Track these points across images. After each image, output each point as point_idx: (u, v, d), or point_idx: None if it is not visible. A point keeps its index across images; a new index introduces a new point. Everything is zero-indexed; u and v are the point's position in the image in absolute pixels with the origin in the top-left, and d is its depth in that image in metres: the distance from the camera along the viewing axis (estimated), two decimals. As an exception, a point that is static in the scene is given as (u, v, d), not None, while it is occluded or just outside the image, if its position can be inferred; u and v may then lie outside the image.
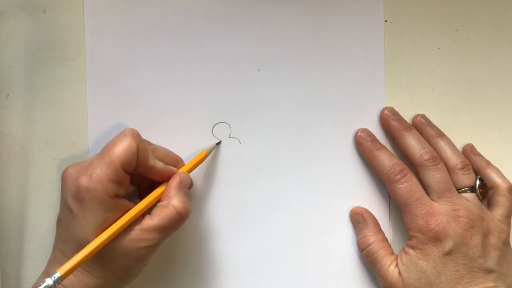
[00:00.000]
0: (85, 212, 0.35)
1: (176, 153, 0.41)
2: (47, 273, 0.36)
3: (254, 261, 0.43)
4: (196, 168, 0.41)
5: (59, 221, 0.37)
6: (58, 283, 0.32)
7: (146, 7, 0.42)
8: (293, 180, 0.44)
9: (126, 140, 0.36)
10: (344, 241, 0.44)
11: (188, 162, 0.40)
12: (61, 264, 0.35)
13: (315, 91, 0.44)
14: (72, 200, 0.35)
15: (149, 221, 0.36)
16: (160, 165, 0.38)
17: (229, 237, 0.43)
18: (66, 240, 0.36)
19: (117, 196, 0.36)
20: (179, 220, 0.36)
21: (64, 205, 0.36)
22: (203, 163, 0.41)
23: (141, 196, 0.39)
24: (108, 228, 0.35)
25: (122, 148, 0.36)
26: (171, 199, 0.37)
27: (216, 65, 0.43)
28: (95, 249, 0.34)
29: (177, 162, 0.40)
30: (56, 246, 0.37)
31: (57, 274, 0.32)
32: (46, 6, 0.41)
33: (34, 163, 0.41)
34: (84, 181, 0.35)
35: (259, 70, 0.43)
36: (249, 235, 0.43)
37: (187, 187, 0.38)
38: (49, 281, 0.32)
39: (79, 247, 0.34)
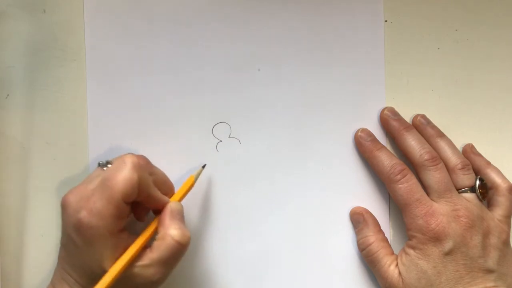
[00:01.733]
0: (88, 247, 0.34)
1: (176, 154, 0.41)
2: (53, 285, 0.36)
3: (254, 261, 0.43)
4: (195, 169, 0.41)
5: (64, 246, 0.36)
6: None
7: (146, 7, 0.42)
8: (293, 180, 0.44)
9: (127, 172, 0.34)
10: (344, 241, 0.44)
11: (177, 189, 0.40)
12: (67, 282, 0.35)
13: (315, 91, 0.44)
14: (74, 233, 0.34)
15: (150, 256, 0.35)
16: (158, 195, 0.37)
17: (228, 237, 0.43)
18: (73, 264, 0.35)
19: (118, 231, 0.35)
20: (180, 249, 0.35)
21: (67, 235, 0.35)
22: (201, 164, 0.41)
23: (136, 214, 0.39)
24: (109, 273, 0.34)
25: (123, 180, 0.34)
26: (167, 229, 0.36)
27: (216, 65, 0.43)
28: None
29: (170, 190, 0.39)
30: (62, 266, 0.36)
31: None
32: (46, 6, 0.41)
33: (34, 163, 0.41)
34: (85, 216, 0.33)
35: (259, 70, 0.43)
36: (249, 235, 0.43)
37: (181, 215, 0.37)
38: None
39: (87, 274, 0.34)
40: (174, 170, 0.42)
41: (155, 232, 0.37)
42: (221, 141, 0.43)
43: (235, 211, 0.43)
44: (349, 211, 0.44)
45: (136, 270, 0.35)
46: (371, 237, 0.43)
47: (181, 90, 0.43)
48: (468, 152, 0.45)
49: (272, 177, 0.44)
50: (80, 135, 0.42)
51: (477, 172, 0.44)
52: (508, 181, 0.44)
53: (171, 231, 0.35)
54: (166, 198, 0.38)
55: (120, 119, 0.42)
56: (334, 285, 0.44)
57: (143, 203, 0.37)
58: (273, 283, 0.43)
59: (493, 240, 0.41)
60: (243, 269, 0.43)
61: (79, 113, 0.42)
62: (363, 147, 0.44)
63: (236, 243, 0.43)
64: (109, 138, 0.41)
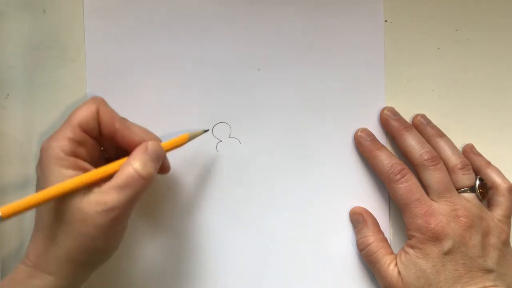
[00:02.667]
0: (43, 171, 0.34)
1: (176, 153, 0.41)
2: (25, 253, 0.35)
3: (253, 261, 0.43)
4: (196, 168, 0.41)
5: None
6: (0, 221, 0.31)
7: (146, 7, 0.42)
8: (293, 180, 0.44)
9: (86, 104, 0.36)
10: (344, 241, 0.44)
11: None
12: (31, 239, 0.35)
13: (315, 91, 0.44)
14: (37, 167, 0.35)
15: (108, 183, 0.34)
16: (127, 132, 0.37)
17: (228, 237, 0.43)
18: (38, 210, 0.36)
19: (75, 156, 0.35)
20: (138, 179, 0.34)
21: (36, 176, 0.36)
22: (201, 164, 0.41)
23: None
24: (61, 183, 0.33)
25: (81, 109, 0.36)
26: (131, 160, 0.35)
27: (216, 65, 0.43)
28: (43, 197, 0.32)
29: (151, 138, 0.38)
30: (34, 228, 0.36)
31: None
32: (46, 6, 0.41)
33: (34, 163, 0.41)
34: (44, 143, 0.35)
35: (259, 70, 0.43)
36: (248, 235, 0.43)
37: (156, 156, 0.36)
38: None
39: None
40: (174, 170, 0.42)
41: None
42: (221, 141, 0.43)
43: (234, 211, 0.43)
44: (349, 211, 0.45)
45: (92, 195, 0.34)
46: (371, 237, 0.43)
47: (181, 90, 0.42)
48: (468, 152, 0.45)
49: (272, 177, 0.44)
50: (80, 135, 0.42)
51: (477, 172, 0.44)
52: (508, 181, 0.44)
53: (134, 161, 0.35)
54: (144, 137, 0.37)
55: (120, 119, 0.42)
56: (334, 285, 0.44)
57: (113, 140, 0.37)
58: (273, 283, 0.43)
59: (493, 240, 0.41)
60: (242, 269, 0.43)
61: (79, 113, 0.42)
62: (363, 147, 0.44)
63: (236, 243, 0.43)
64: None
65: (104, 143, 0.38)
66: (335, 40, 0.44)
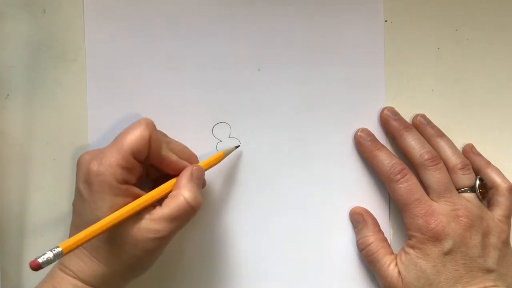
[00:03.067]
0: (94, 196, 0.35)
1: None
2: (60, 261, 0.36)
3: (253, 261, 0.43)
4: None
5: (73, 207, 0.38)
6: (58, 258, 0.32)
7: (146, 7, 0.42)
8: (293, 180, 0.44)
9: (139, 129, 0.36)
10: (344, 241, 0.44)
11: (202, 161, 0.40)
12: (76, 254, 0.35)
13: (315, 91, 0.44)
14: (83, 184, 0.35)
15: (159, 211, 0.35)
16: (173, 157, 0.38)
17: (228, 237, 0.43)
18: (78, 225, 0.36)
19: (126, 182, 0.36)
20: (188, 210, 0.36)
21: (77, 190, 0.36)
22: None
23: (150, 187, 0.39)
24: (116, 211, 0.35)
25: (134, 135, 0.36)
26: (181, 189, 0.36)
27: (216, 65, 0.43)
28: (99, 229, 0.33)
29: (190, 158, 0.40)
30: (70, 232, 0.37)
31: (59, 249, 0.32)
32: (46, 6, 0.41)
33: (34, 163, 0.41)
34: (94, 165, 0.35)
35: (259, 70, 0.43)
36: (248, 235, 0.43)
37: (200, 181, 0.38)
38: (49, 254, 0.32)
39: None
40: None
41: (169, 191, 0.37)
42: (221, 141, 0.43)
43: (234, 211, 0.43)
44: (349, 211, 0.44)
45: (143, 222, 0.35)
46: (371, 237, 0.43)
47: (181, 90, 0.42)
48: (468, 152, 0.45)
49: (272, 177, 0.44)
50: (80, 135, 0.42)
51: (477, 172, 0.44)
52: (508, 181, 0.44)
53: (184, 191, 0.36)
54: (185, 162, 0.38)
55: (120, 119, 0.42)
56: (334, 285, 0.44)
57: (158, 166, 0.38)
58: (273, 283, 0.43)
59: (493, 240, 0.41)
60: (242, 268, 0.43)
61: (79, 113, 0.42)
62: (363, 147, 0.44)
63: (236, 242, 0.43)
64: (109, 138, 0.41)
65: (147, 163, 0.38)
66: (335, 40, 0.44)
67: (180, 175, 0.38)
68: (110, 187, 0.35)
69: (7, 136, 0.41)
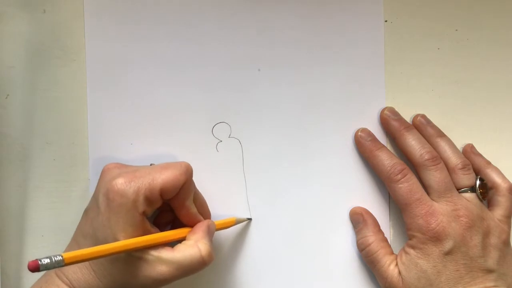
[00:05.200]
0: (111, 214, 0.34)
1: (176, 153, 0.41)
2: (61, 270, 0.36)
3: (253, 261, 0.43)
4: (196, 167, 0.41)
5: (85, 212, 0.37)
6: (58, 266, 0.31)
7: (146, 7, 0.42)
8: (293, 180, 0.44)
9: (178, 170, 0.36)
10: (344, 241, 0.44)
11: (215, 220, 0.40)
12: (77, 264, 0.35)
13: (315, 91, 0.44)
14: (103, 197, 0.35)
15: (171, 254, 0.35)
16: (194, 209, 0.38)
17: (227, 237, 0.43)
18: (85, 234, 0.36)
19: (144, 214, 0.35)
20: (200, 264, 0.35)
21: (95, 198, 0.36)
22: (201, 165, 0.41)
23: (156, 225, 0.39)
24: (131, 239, 0.34)
25: (171, 175, 0.35)
26: (198, 240, 0.36)
27: (216, 65, 0.43)
28: (108, 250, 0.33)
29: (207, 214, 0.40)
30: (75, 237, 0.37)
31: (60, 257, 0.31)
32: (46, 6, 0.41)
33: (34, 163, 0.41)
34: (122, 183, 0.34)
35: (259, 70, 0.43)
36: (248, 235, 0.43)
37: (212, 236, 0.38)
38: (50, 259, 0.31)
39: (95, 245, 0.34)
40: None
41: (179, 239, 0.37)
42: (221, 141, 0.43)
43: (234, 211, 0.43)
44: (349, 211, 0.44)
45: (151, 258, 0.35)
46: (371, 237, 0.43)
47: (181, 90, 0.42)
48: (468, 152, 0.45)
49: (272, 177, 0.44)
50: (80, 135, 0.41)
51: (477, 172, 0.44)
52: (508, 181, 0.44)
53: (201, 244, 0.36)
54: (201, 217, 0.38)
55: (120, 119, 0.42)
56: (334, 285, 0.44)
57: (176, 210, 0.38)
58: (273, 283, 0.43)
59: (493, 240, 0.41)
60: (242, 268, 0.43)
61: (79, 113, 0.41)
62: (363, 147, 0.44)
63: (235, 242, 0.43)
64: (109, 138, 0.41)
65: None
66: (335, 40, 0.44)
67: (197, 226, 0.37)
68: (128, 213, 0.34)
69: (7, 136, 0.41)
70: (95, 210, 0.35)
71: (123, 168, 0.37)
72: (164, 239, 0.36)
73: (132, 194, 0.34)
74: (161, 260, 0.35)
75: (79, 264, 0.35)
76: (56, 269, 0.36)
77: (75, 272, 0.35)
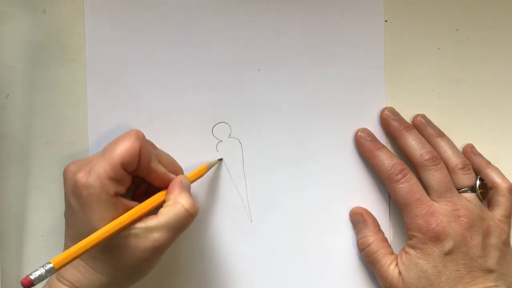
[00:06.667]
0: (85, 209, 0.34)
1: (176, 153, 0.41)
2: (59, 274, 0.36)
3: (253, 262, 0.43)
4: (196, 167, 0.41)
5: (65, 217, 0.37)
6: (51, 273, 0.31)
7: (146, 7, 0.42)
8: (293, 180, 0.44)
9: (129, 140, 0.36)
10: (344, 241, 0.44)
11: (187, 173, 0.40)
12: (72, 264, 0.35)
13: (315, 91, 0.44)
14: (72, 196, 0.35)
15: (156, 220, 0.35)
16: (161, 169, 0.38)
17: (227, 237, 0.43)
18: (72, 237, 0.36)
19: (116, 194, 0.35)
20: (187, 218, 0.36)
21: (67, 202, 0.36)
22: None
23: (135, 199, 0.39)
24: (108, 224, 0.34)
25: (124, 147, 0.35)
26: (177, 197, 0.36)
27: (216, 65, 0.43)
28: (91, 242, 0.33)
29: (177, 171, 0.40)
30: (65, 243, 0.37)
31: (50, 265, 0.32)
32: (46, 6, 0.41)
33: (34, 163, 0.41)
34: (82, 177, 0.34)
35: (259, 70, 0.43)
36: (248, 235, 0.43)
37: (189, 190, 0.38)
38: (41, 270, 0.31)
39: None
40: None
41: (161, 202, 0.37)
42: (221, 141, 0.43)
43: (234, 211, 0.43)
44: (349, 211, 0.44)
45: (139, 232, 0.35)
46: (371, 237, 0.43)
47: (181, 90, 0.42)
48: (468, 152, 0.45)
49: (272, 177, 0.44)
50: (80, 135, 0.42)
51: (477, 172, 0.44)
52: (508, 181, 0.44)
53: (181, 199, 0.36)
54: (172, 174, 0.38)
55: (120, 119, 0.42)
56: (334, 285, 0.44)
57: (145, 177, 0.37)
58: (272, 283, 0.43)
59: (493, 240, 0.41)
60: (241, 269, 0.43)
61: (79, 113, 0.42)
62: (363, 147, 0.44)
63: (235, 243, 0.43)
64: (109, 138, 0.41)
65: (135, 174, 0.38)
66: (335, 40, 0.44)
67: (171, 185, 0.37)
68: (100, 200, 0.34)
69: (7, 136, 0.41)
70: (71, 212, 0.36)
71: (79, 162, 0.36)
72: (144, 209, 0.36)
73: (95, 182, 0.34)
74: (149, 229, 0.35)
75: (75, 265, 0.35)
76: (56, 274, 0.36)
77: (73, 274, 0.35)
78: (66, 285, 0.35)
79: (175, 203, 0.36)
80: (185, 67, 0.43)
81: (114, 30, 0.42)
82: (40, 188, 0.41)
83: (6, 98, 0.41)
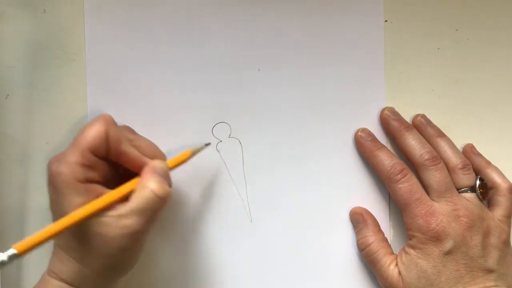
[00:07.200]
0: (58, 197, 0.34)
1: (176, 153, 0.41)
2: (48, 266, 0.36)
3: (253, 262, 0.43)
4: (196, 167, 0.41)
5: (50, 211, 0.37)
6: (14, 259, 0.31)
7: (146, 7, 0.42)
8: (293, 180, 0.44)
9: (96, 125, 0.36)
10: (344, 241, 0.44)
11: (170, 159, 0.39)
12: (56, 256, 0.35)
13: (315, 91, 0.44)
14: (49, 187, 0.35)
15: (126, 206, 0.35)
16: (133, 153, 0.37)
17: (227, 237, 0.43)
18: None
19: (88, 181, 0.35)
20: (157, 201, 0.35)
21: (48, 194, 0.36)
22: (201, 165, 0.41)
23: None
24: (76, 211, 0.34)
25: (90, 132, 0.35)
26: (146, 182, 0.36)
27: (216, 65, 0.43)
28: (56, 228, 0.33)
29: (157, 156, 0.39)
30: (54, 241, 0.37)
31: (12, 250, 0.31)
32: (46, 6, 0.41)
33: (34, 163, 0.41)
34: (54, 166, 0.34)
35: (259, 70, 0.43)
36: (248, 235, 0.43)
37: (164, 174, 0.37)
38: (3, 256, 0.31)
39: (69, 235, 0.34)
40: (174, 170, 0.42)
41: (133, 189, 0.36)
42: (221, 141, 0.43)
43: (234, 211, 0.43)
44: (349, 211, 0.44)
45: (110, 219, 0.34)
46: (371, 237, 0.43)
47: (181, 90, 0.43)
48: (468, 152, 0.45)
49: (272, 177, 0.44)
50: (80, 135, 0.41)
51: (477, 172, 0.44)
52: (508, 181, 0.44)
53: (149, 183, 0.35)
54: (147, 159, 0.37)
55: (120, 119, 0.42)
56: (334, 285, 0.44)
57: (119, 162, 0.37)
58: (273, 283, 0.43)
59: (493, 240, 0.41)
60: (241, 269, 0.43)
61: (79, 113, 0.42)
62: (363, 147, 0.44)
63: (235, 243, 0.43)
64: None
65: (111, 161, 0.38)
66: (335, 40, 0.44)
67: (143, 171, 0.37)
68: (70, 186, 0.34)
69: (7, 136, 0.41)
70: (51, 203, 0.36)
71: (57, 154, 0.36)
72: (116, 196, 0.35)
73: (65, 169, 0.34)
74: (120, 216, 0.34)
75: (58, 256, 0.35)
76: (48, 270, 0.36)
77: (58, 266, 0.35)
78: (52, 277, 0.35)
79: (144, 187, 0.35)
80: (185, 67, 0.43)
81: (114, 30, 0.42)
82: (40, 188, 0.41)
83: (6, 98, 0.41)
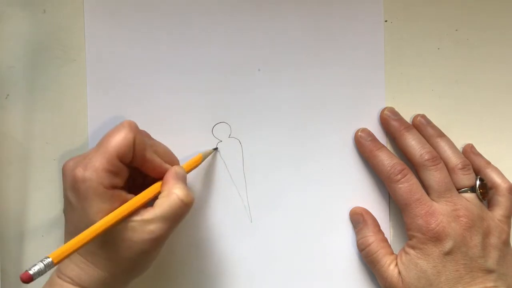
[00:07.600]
0: (82, 203, 0.34)
1: (176, 153, 0.41)
2: (58, 268, 0.36)
3: (253, 262, 0.43)
4: (196, 169, 0.41)
5: (64, 214, 0.37)
6: (50, 268, 0.31)
7: (146, 7, 0.42)
8: (293, 180, 0.44)
9: (123, 131, 0.36)
10: (344, 241, 0.44)
11: (183, 163, 0.40)
12: (71, 260, 0.35)
13: (315, 91, 0.44)
14: (70, 192, 0.35)
15: (152, 212, 0.35)
16: (157, 160, 0.38)
17: (227, 237, 0.43)
18: (71, 232, 0.36)
19: (113, 187, 0.35)
20: (183, 208, 0.36)
21: (65, 198, 0.36)
22: (201, 165, 0.41)
23: (133, 193, 0.38)
24: (105, 217, 0.34)
25: (118, 138, 0.35)
26: (172, 188, 0.36)
27: (216, 65, 0.43)
28: (88, 236, 0.33)
29: (173, 161, 0.40)
30: (65, 239, 0.37)
31: (49, 259, 0.31)
32: (46, 6, 0.41)
33: (34, 163, 0.41)
34: (79, 171, 0.34)
35: (259, 70, 0.43)
36: (248, 235, 0.43)
37: (185, 179, 0.38)
38: (40, 265, 0.31)
39: None
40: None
41: (157, 194, 0.37)
42: (221, 141, 0.43)
43: (234, 211, 0.43)
44: (349, 211, 0.44)
45: (136, 224, 0.35)
46: (371, 237, 0.43)
47: (181, 90, 0.42)
48: (468, 152, 0.45)
49: (272, 177, 0.44)
50: (80, 135, 0.41)
51: (477, 172, 0.44)
52: (508, 181, 0.44)
53: (176, 189, 0.36)
54: (167, 165, 0.38)
55: (120, 119, 0.42)
56: (334, 285, 0.44)
57: (141, 168, 0.37)
58: (273, 283, 0.43)
59: (493, 240, 0.41)
60: (241, 269, 0.43)
61: (79, 113, 0.42)
62: (363, 147, 0.44)
63: (235, 243, 0.43)
64: (109, 138, 0.41)
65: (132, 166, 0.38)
66: (335, 40, 0.44)
67: (166, 176, 0.37)
68: (97, 193, 0.34)
69: (7, 136, 0.41)
70: (70, 207, 0.36)
71: (77, 158, 0.36)
72: (140, 201, 0.36)
73: (92, 175, 0.34)
74: (146, 222, 0.35)
75: (75, 261, 0.35)
76: (57, 272, 0.36)
77: (73, 269, 0.35)
78: (66, 281, 0.35)
79: (170, 194, 0.36)
80: (185, 67, 0.43)
81: (114, 30, 0.42)
82: (40, 188, 0.41)
83: (6, 98, 0.41)
